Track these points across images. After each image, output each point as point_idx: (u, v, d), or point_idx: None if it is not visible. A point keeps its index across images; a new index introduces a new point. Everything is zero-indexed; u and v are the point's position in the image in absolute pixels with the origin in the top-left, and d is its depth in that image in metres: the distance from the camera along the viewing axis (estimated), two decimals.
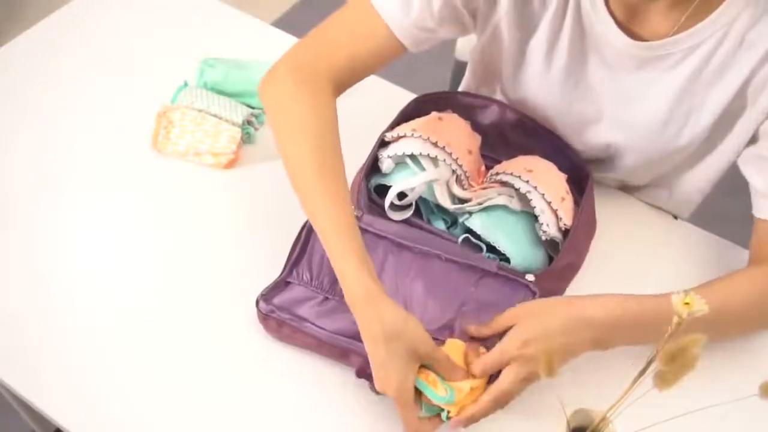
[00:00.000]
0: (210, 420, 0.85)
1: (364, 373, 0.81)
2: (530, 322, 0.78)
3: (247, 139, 1.11)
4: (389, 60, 0.93)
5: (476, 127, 1.01)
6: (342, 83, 0.92)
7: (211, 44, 1.20)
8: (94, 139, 1.11)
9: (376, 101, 1.18)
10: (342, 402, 0.86)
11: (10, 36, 1.26)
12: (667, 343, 0.60)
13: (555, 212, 0.90)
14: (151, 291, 0.95)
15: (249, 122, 1.11)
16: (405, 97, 1.18)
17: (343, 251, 0.80)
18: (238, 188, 1.06)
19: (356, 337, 0.80)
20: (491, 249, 0.92)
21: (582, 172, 0.97)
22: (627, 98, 0.91)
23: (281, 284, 0.90)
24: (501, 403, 0.78)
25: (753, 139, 0.89)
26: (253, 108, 1.13)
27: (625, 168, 1.00)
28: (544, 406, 0.79)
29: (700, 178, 0.99)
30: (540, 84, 0.95)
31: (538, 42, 0.91)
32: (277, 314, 0.87)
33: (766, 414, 0.84)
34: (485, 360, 0.78)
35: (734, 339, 0.89)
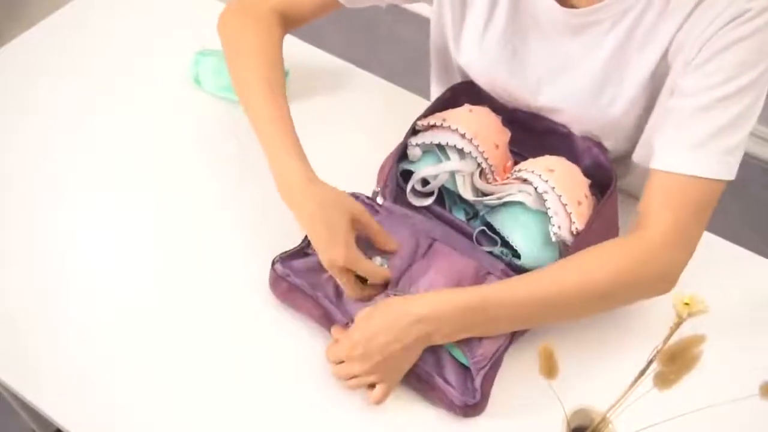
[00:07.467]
0: (210, 420, 0.85)
1: None
2: (359, 325, 0.83)
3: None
4: (326, 10, 1.01)
5: (508, 123, 1.01)
6: (285, 21, 1.00)
7: (211, 45, 1.20)
8: (94, 139, 1.11)
9: (375, 100, 1.18)
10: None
11: (11, 36, 1.26)
12: (667, 343, 0.60)
13: (569, 215, 0.90)
14: (150, 291, 0.95)
15: None
16: (405, 97, 1.18)
17: (282, 146, 0.87)
18: (244, 173, 1.06)
19: None
20: (506, 243, 0.93)
21: (609, 180, 0.96)
22: (564, 66, 0.93)
23: (299, 253, 0.91)
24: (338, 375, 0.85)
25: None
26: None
27: None
28: (545, 406, 0.79)
29: (644, 156, 0.97)
30: (479, 51, 0.97)
31: (478, 9, 0.94)
32: (292, 278, 0.88)
33: (766, 414, 0.84)
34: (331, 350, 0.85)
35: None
